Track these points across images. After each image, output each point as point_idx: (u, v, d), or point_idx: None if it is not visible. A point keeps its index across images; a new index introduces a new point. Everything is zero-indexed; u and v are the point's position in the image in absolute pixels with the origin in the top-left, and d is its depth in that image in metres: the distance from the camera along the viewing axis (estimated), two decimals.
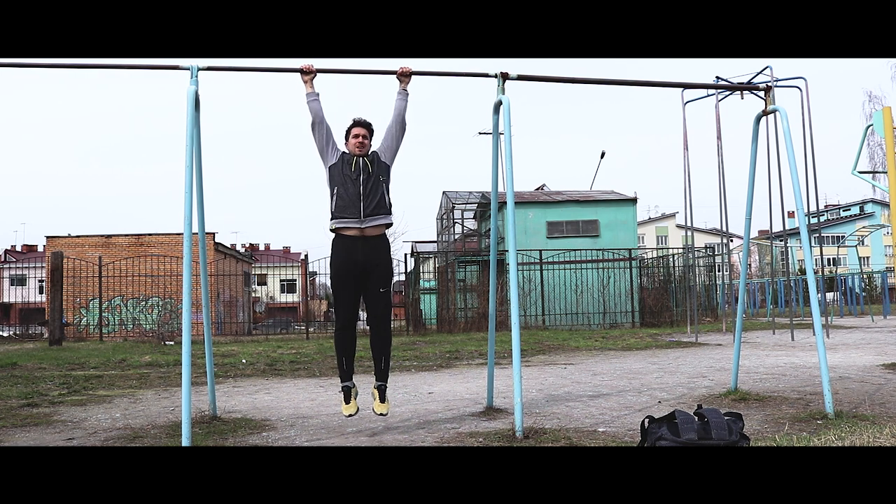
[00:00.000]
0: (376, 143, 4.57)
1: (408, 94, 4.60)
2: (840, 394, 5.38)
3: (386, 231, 4.52)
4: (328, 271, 4.74)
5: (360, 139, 4.42)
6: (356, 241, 4.36)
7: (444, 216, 26.89)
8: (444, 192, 26.91)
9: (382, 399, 4.43)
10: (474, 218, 26.77)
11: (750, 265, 55.64)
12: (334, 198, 4.38)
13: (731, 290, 17.64)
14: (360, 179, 4.36)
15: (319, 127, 4.45)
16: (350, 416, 4.42)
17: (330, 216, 4.42)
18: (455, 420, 4.83)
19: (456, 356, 10.27)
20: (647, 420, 3.18)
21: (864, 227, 25.08)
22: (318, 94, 4.46)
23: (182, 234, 4.08)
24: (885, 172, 6.76)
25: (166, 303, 25.33)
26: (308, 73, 4.46)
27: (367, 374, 4.86)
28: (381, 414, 4.42)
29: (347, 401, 4.41)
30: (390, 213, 4.47)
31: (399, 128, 4.58)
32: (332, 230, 4.43)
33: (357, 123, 4.48)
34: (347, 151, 4.47)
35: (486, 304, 17.73)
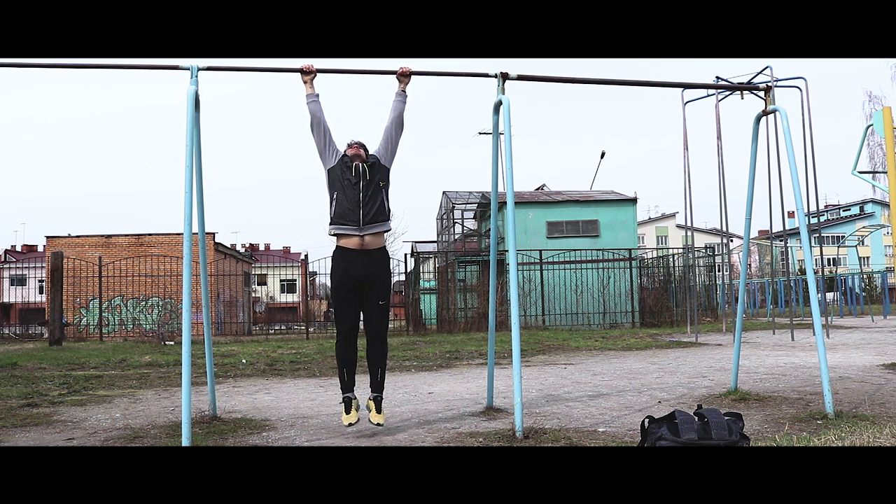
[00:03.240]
0: (374, 148, 4.60)
1: (406, 96, 4.62)
2: (840, 394, 5.38)
3: (385, 237, 4.57)
4: (328, 271, 4.77)
5: (356, 148, 4.49)
6: (356, 255, 4.40)
7: (444, 216, 26.88)
8: (444, 192, 26.90)
9: (379, 410, 4.44)
10: (474, 218, 26.76)
11: (750, 265, 55.64)
12: (334, 203, 4.43)
13: (731, 290, 17.64)
14: (359, 185, 4.39)
15: (318, 128, 4.48)
16: (350, 425, 4.44)
17: (329, 221, 4.46)
18: (455, 420, 4.83)
19: (456, 356, 10.27)
20: (647, 420, 3.18)
21: (864, 227, 25.08)
22: (317, 96, 4.48)
23: (182, 234, 4.08)
24: (885, 172, 6.76)
25: (166, 303, 25.32)
26: (308, 74, 4.47)
27: (365, 375, 4.86)
28: (377, 424, 4.42)
29: (348, 411, 4.42)
30: (389, 220, 4.54)
31: (397, 129, 4.60)
32: (331, 235, 4.48)
33: (351, 145, 4.53)
34: (347, 155, 4.50)
35: (486, 304, 17.73)
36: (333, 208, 4.42)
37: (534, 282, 20.24)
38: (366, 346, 4.55)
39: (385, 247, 4.59)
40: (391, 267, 4.71)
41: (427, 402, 5.77)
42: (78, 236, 26.93)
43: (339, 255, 4.46)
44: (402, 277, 19.82)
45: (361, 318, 4.58)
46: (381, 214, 4.44)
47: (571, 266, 20.51)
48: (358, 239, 4.38)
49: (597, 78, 5.10)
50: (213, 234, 27.23)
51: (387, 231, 4.53)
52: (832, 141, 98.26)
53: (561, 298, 20.57)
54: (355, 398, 4.47)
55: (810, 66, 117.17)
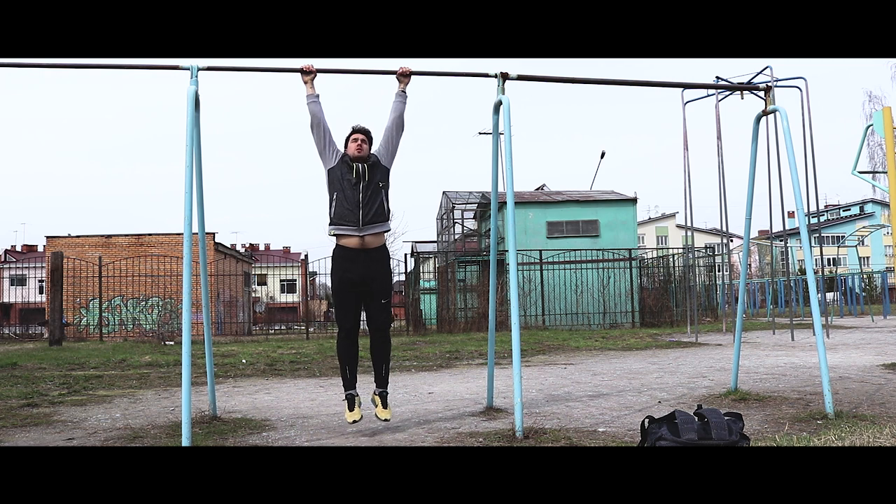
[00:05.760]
0: (375, 147, 4.60)
1: (406, 96, 4.63)
2: (840, 394, 5.37)
3: (385, 236, 4.58)
4: (328, 271, 4.79)
5: (359, 143, 4.47)
6: (357, 254, 4.42)
7: (444, 216, 26.88)
8: (444, 192, 26.91)
9: (385, 405, 4.49)
10: (474, 218, 26.77)
11: (750, 265, 55.64)
12: (333, 203, 4.44)
13: (731, 290, 17.64)
14: (359, 186, 4.40)
15: (318, 128, 4.49)
16: (354, 422, 4.47)
17: (329, 221, 4.48)
18: (455, 420, 4.83)
19: (456, 356, 10.27)
20: (647, 420, 3.18)
21: (864, 227, 25.06)
22: (318, 96, 4.49)
23: (182, 234, 4.08)
24: (885, 172, 6.76)
25: (166, 303, 25.32)
26: (308, 74, 4.48)
27: (368, 374, 4.87)
28: (384, 420, 4.48)
29: (351, 409, 4.46)
30: (388, 220, 4.55)
31: (397, 129, 4.61)
32: (331, 235, 4.49)
33: (356, 130, 4.54)
34: (347, 154, 4.50)
35: (486, 304, 17.72)
36: (333, 209, 4.44)
37: (534, 282, 20.24)
38: (369, 342, 4.57)
39: (385, 245, 4.60)
40: (391, 265, 4.72)
41: (427, 402, 5.77)
42: (78, 236, 26.94)
43: (339, 254, 4.47)
44: (402, 277, 19.82)
45: (363, 315, 4.60)
46: (380, 215, 4.46)
47: (571, 266, 20.51)
48: (357, 239, 4.40)
49: (597, 78, 5.11)
50: (213, 234, 27.24)
51: (386, 231, 4.55)
52: (832, 141, 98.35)
53: (561, 298, 20.57)
54: (358, 395, 4.50)
55: (810, 66, 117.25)
